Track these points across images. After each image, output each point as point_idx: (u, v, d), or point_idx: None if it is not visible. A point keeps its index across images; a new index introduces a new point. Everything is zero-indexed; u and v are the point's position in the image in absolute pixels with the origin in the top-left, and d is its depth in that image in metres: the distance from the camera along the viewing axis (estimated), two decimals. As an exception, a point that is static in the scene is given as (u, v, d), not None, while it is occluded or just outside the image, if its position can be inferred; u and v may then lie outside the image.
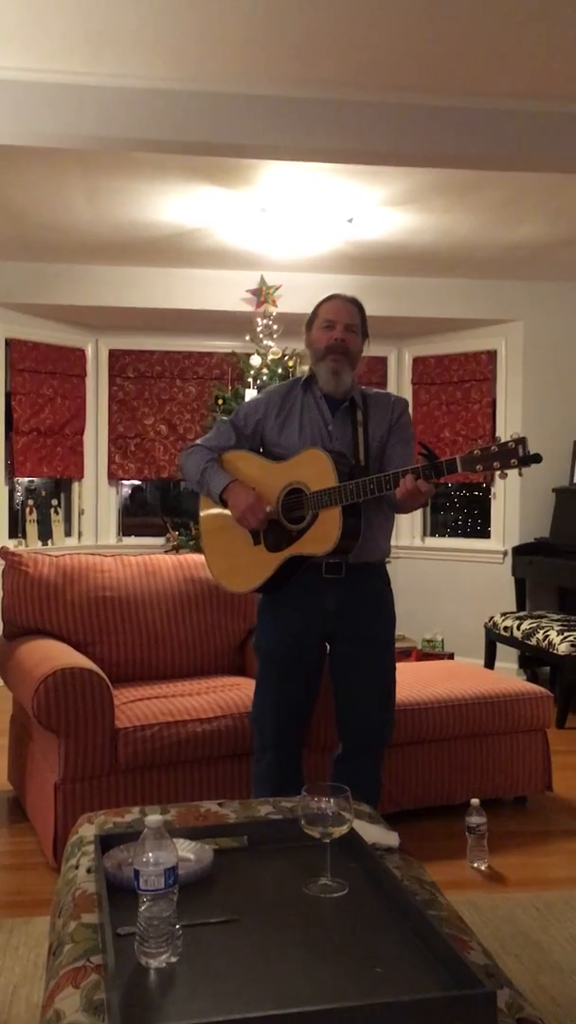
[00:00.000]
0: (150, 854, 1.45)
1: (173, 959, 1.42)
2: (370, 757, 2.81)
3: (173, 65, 3.24)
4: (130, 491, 6.71)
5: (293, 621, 2.76)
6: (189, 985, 1.38)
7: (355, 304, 2.81)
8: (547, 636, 4.98)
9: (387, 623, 2.84)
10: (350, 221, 4.69)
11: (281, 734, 2.81)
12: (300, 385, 2.83)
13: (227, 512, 2.79)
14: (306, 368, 2.95)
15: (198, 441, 2.91)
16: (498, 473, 2.32)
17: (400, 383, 6.61)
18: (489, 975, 1.41)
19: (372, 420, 2.78)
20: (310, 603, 2.73)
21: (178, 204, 4.49)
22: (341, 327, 2.75)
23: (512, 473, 2.35)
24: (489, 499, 6.33)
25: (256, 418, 2.83)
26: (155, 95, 3.34)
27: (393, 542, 6.83)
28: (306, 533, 2.64)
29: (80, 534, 6.32)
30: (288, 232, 4.85)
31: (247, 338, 5.61)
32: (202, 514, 2.96)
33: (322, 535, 2.60)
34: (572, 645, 4.79)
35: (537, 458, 2.31)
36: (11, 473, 5.92)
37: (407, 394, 6.57)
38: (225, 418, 2.92)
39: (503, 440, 2.31)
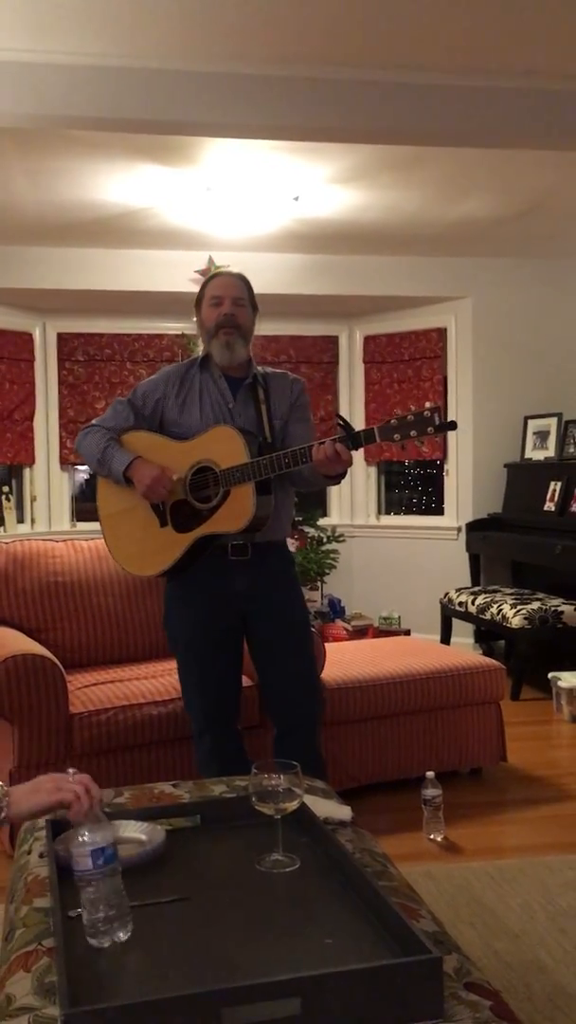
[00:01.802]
0: (83, 836, 1.46)
1: (123, 936, 1.42)
2: (304, 735, 2.78)
3: (111, 41, 3.18)
4: (85, 476, 6.64)
5: (206, 607, 2.74)
6: (140, 964, 1.38)
7: (241, 279, 2.81)
8: (501, 610, 5.04)
9: (298, 601, 2.85)
10: (296, 199, 4.67)
11: (213, 718, 2.79)
12: (198, 365, 2.81)
13: (129, 494, 2.75)
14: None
15: (94, 421, 2.85)
16: (416, 440, 2.38)
17: (351, 361, 6.62)
18: (438, 942, 1.43)
19: (274, 398, 2.78)
20: (219, 586, 2.72)
21: (122, 184, 4.43)
22: (229, 302, 2.74)
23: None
24: (442, 476, 6.38)
25: (156, 397, 2.80)
26: (93, 72, 3.28)
27: (348, 520, 6.87)
28: (217, 511, 2.63)
29: (33, 520, 6.25)
30: (234, 211, 4.81)
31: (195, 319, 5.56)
32: (100, 497, 2.88)
33: (235, 512, 2.59)
34: (525, 618, 4.86)
35: (452, 425, 2.43)
36: (-40, 460, 5.84)
37: (359, 372, 6.59)
38: (121, 398, 2.87)
39: (418, 409, 2.37)
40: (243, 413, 2.73)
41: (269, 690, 2.84)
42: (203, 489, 2.66)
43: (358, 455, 6.18)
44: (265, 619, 2.76)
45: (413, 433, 2.37)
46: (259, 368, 2.84)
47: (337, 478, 2.61)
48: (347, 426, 2.45)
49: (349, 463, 2.50)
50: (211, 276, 2.87)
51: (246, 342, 2.77)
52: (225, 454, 2.60)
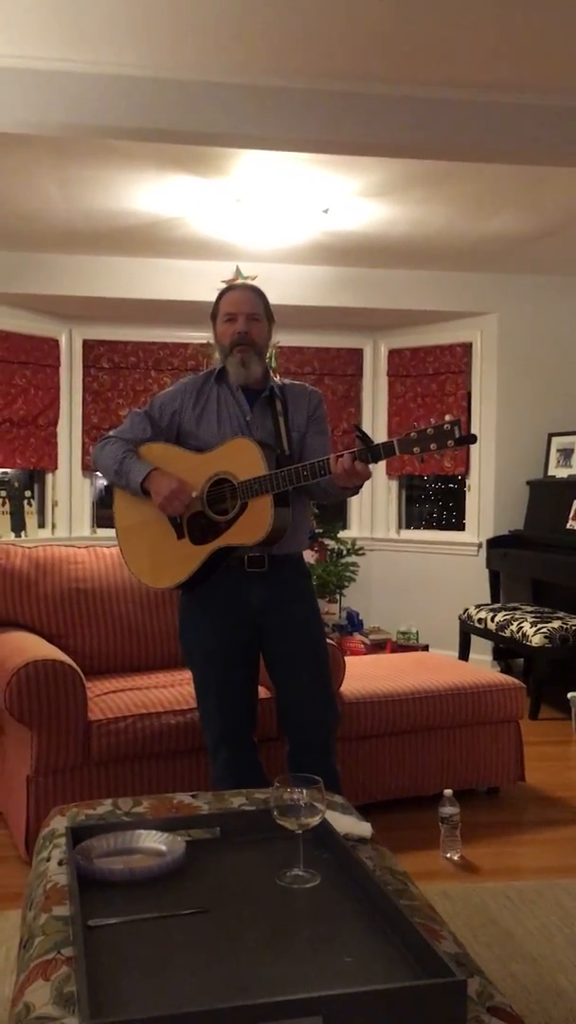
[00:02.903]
0: None
1: None
2: (319, 751, 2.76)
3: (146, 52, 3.20)
4: (105, 483, 6.66)
5: (222, 620, 2.72)
6: (160, 977, 1.38)
7: (254, 291, 2.79)
8: (521, 628, 5.01)
9: (314, 614, 2.83)
10: (326, 211, 4.68)
11: (230, 733, 2.77)
12: (215, 377, 2.80)
13: (147, 506, 2.74)
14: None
15: (111, 432, 2.84)
16: (436, 454, 2.37)
17: (376, 375, 6.62)
18: (460, 964, 1.42)
19: (291, 410, 2.77)
20: (235, 599, 2.71)
21: (152, 193, 4.45)
22: (243, 319, 2.72)
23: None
24: (464, 491, 6.35)
25: (172, 409, 2.79)
26: (128, 82, 3.30)
27: (368, 534, 6.85)
28: (235, 523, 2.61)
29: (54, 526, 6.28)
30: (263, 222, 4.82)
31: (221, 329, 5.58)
32: (117, 509, 2.87)
33: (253, 524, 2.58)
34: (545, 637, 4.83)
35: (472, 438, 2.39)
36: (-16, 464, 5.87)
37: (382, 386, 6.59)
38: (139, 410, 2.86)
39: (437, 422, 2.34)
40: (260, 425, 2.73)
41: (284, 704, 2.82)
42: (220, 501, 2.65)
43: (379, 467, 6.19)
44: (281, 632, 2.74)
45: (433, 446, 2.34)
46: (276, 379, 2.83)
47: (355, 489, 2.60)
48: (366, 439, 2.42)
49: (367, 476, 2.48)
50: (225, 290, 2.84)
51: (261, 357, 2.76)
52: (243, 466, 2.60)
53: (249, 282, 2.79)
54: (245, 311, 2.73)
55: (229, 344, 2.72)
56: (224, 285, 5.52)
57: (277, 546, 2.65)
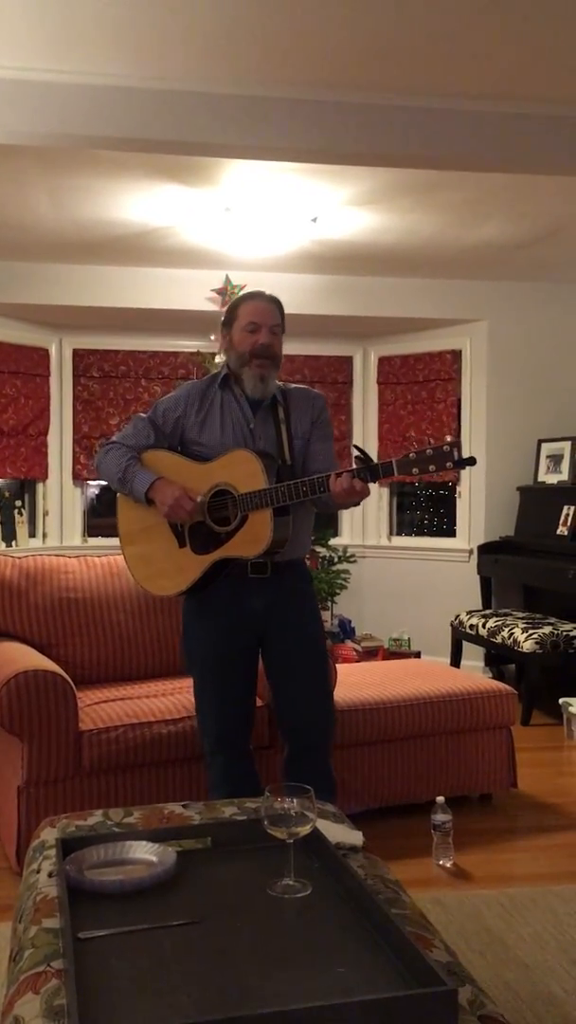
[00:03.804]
0: None
1: None
2: (317, 755, 2.78)
3: (135, 62, 3.21)
4: (96, 492, 6.66)
5: (223, 626, 2.73)
6: (150, 989, 1.37)
7: (277, 304, 2.78)
8: (512, 634, 5.02)
9: (314, 619, 2.84)
10: (314, 220, 4.69)
11: (226, 738, 2.78)
12: (218, 383, 2.79)
13: (149, 513, 2.74)
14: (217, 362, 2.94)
15: (114, 438, 2.84)
16: (434, 475, 2.38)
17: (366, 382, 6.63)
18: (451, 973, 1.42)
19: (294, 416, 2.78)
20: (237, 604, 2.71)
21: (142, 203, 4.46)
22: (266, 331, 2.71)
23: (480, 462, 2.39)
24: (455, 498, 6.37)
25: (175, 415, 2.78)
26: (118, 92, 3.31)
27: (360, 541, 6.85)
28: (235, 535, 2.62)
29: (45, 535, 6.26)
30: (252, 231, 4.83)
31: (212, 337, 5.58)
32: (120, 516, 2.88)
33: (252, 537, 2.58)
34: (536, 643, 4.83)
35: (471, 461, 2.38)
36: (-26, 474, 5.86)
37: (372, 393, 6.60)
38: (142, 414, 2.86)
39: (437, 444, 2.35)
40: (263, 434, 2.73)
41: (283, 708, 2.82)
42: (220, 511, 2.65)
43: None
44: (282, 637, 2.75)
45: (432, 468, 2.35)
46: (279, 384, 2.82)
47: (354, 503, 2.61)
48: (366, 458, 2.43)
49: (366, 494, 2.49)
50: (246, 297, 2.80)
51: (278, 371, 2.77)
52: (243, 478, 2.60)
53: (267, 293, 2.78)
54: (269, 323, 2.72)
55: (249, 353, 2.70)
56: (214, 294, 5.60)
57: (279, 553, 2.65)
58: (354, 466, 2.46)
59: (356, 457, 2.45)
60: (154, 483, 2.70)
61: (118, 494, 2.86)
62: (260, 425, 2.74)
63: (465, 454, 2.38)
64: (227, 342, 2.79)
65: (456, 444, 2.33)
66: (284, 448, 2.71)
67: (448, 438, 2.36)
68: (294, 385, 2.90)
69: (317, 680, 2.79)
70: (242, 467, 2.61)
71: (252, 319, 2.71)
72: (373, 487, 6.71)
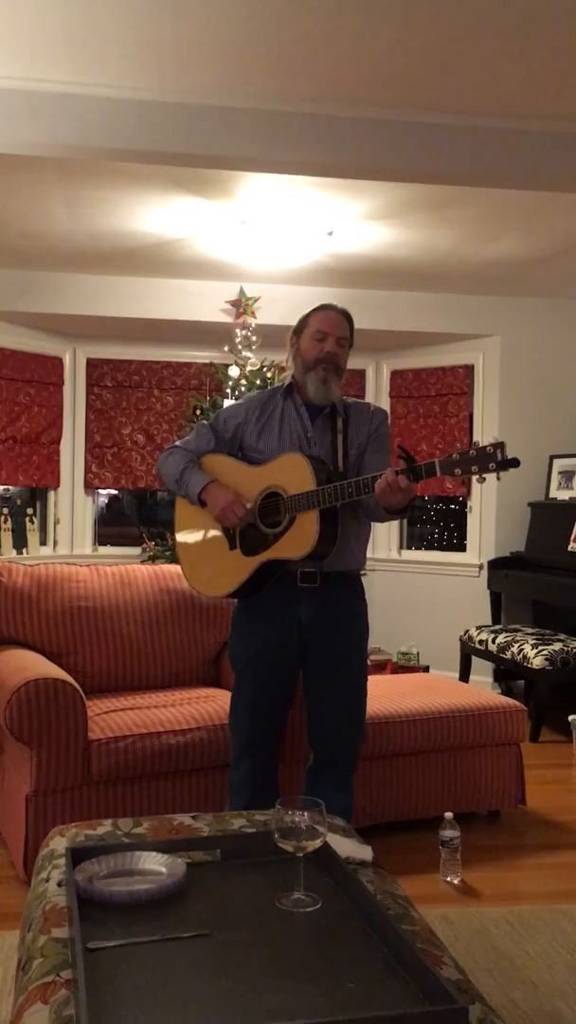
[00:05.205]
0: None
1: None
2: (341, 770, 2.81)
3: (154, 76, 3.24)
4: (107, 500, 6.68)
5: (268, 632, 2.76)
6: (160, 1001, 1.37)
7: (347, 317, 2.83)
8: (522, 650, 5.00)
9: (360, 637, 2.83)
10: (330, 234, 4.71)
11: (255, 743, 2.81)
12: (281, 393, 2.84)
13: (204, 516, 2.80)
14: (284, 377, 2.95)
15: (177, 443, 2.91)
16: (476, 477, 2.32)
17: (378, 396, 6.63)
18: (461, 990, 1.41)
19: (352, 427, 2.80)
20: (284, 613, 2.73)
21: (158, 214, 4.48)
22: (333, 340, 2.75)
23: (490, 477, 2.36)
24: (465, 512, 6.36)
25: (236, 422, 2.84)
26: (136, 105, 3.33)
27: (370, 555, 6.84)
28: (283, 537, 2.64)
29: (55, 543, 6.28)
30: (268, 244, 4.86)
31: (226, 349, 5.61)
32: (177, 517, 2.95)
33: (299, 539, 2.60)
34: (546, 659, 4.82)
35: (515, 462, 2.32)
36: (-14, 481, 5.88)
37: (385, 407, 6.59)
38: (205, 421, 2.92)
39: (482, 444, 2.31)
40: (320, 441, 2.76)
41: (317, 720, 2.82)
42: (272, 514, 2.68)
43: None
44: (325, 650, 2.76)
45: (474, 469, 2.31)
46: (340, 397, 2.84)
47: (402, 512, 2.59)
48: (409, 458, 2.42)
49: (411, 493, 2.46)
50: (319, 308, 2.84)
51: (341, 380, 2.79)
52: (293, 481, 2.62)
53: (339, 306, 2.81)
54: (337, 333, 2.77)
55: (314, 360, 2.74)
56: (228, 305, 5.61)
57: (329, 562, 2.65)
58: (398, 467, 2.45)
59: (400, 457, 2.45)
60: (207, 486, 2.74)
61: (177, 498, 2.91)
62: (317, 433, 2.76)
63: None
64: (295, 350, 2.83)
65: (500, 445, 2.27)
66: (339, 455, 2.73)
67: (491, 438, 2.32)
68: (356, 400, 2.92)
69: (353, 697, 2.80)
70: (292, 470, 2.64)
71: (321, 327, 2.77)
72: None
